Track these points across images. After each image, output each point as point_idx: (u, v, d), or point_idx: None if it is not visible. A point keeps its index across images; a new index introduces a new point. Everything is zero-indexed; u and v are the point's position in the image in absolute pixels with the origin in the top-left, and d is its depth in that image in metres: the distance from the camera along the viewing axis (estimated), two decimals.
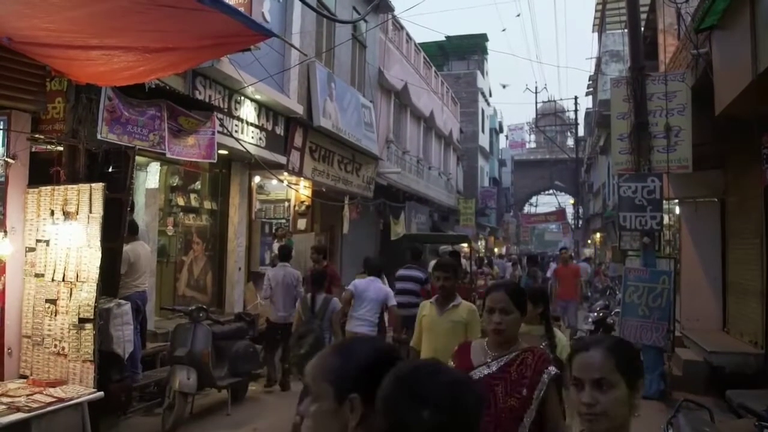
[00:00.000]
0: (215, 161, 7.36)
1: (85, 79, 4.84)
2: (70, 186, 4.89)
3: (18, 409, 3.94)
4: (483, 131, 31.74)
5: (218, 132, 7.20)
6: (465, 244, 15.78)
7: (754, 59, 4.75)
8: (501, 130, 41.50)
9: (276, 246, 9.31)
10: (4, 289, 4.87)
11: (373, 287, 6.15)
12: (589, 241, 32.11)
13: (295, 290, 7.17)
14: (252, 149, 8.65)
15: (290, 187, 10.63)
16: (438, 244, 16.12)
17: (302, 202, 11.32)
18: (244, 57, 7.81)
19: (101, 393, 4.52)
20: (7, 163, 5.00)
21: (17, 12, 3.59)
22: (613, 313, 8.34)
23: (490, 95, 34.81)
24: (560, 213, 36.88)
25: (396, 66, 16.20)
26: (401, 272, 7.77)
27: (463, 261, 12.75)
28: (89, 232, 4.71)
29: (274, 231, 10.40)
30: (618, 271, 14.92)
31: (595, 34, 27.38)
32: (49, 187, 4.97)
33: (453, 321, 3.68)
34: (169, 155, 6.29)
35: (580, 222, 33.78)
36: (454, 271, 3.94)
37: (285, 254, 7.60)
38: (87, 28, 3.76)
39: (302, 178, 10.88)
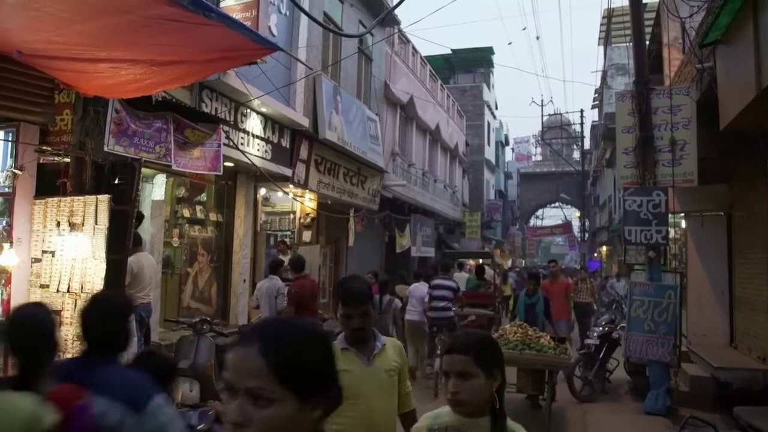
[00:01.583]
0: (221, 173, 7.41)
1: (93, 91, 4.90)
2: (76, 197, 4.93)
3: None
4: (489, 144, 31.79)
5: (224, 144, 7.25)
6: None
7: (758, 74, 4.75)
8: (507, 142, 41.55)
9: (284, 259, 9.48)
10: (9, 299, 4.90)
11: (418, 289, 8.94)
12: (596, 254, 31.95)
13: (276, 301, 7.22)
14: (258, 162, 8.70)
15: (295, 200, 10.66)
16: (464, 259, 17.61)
17: (307, 214, 11.34)
18: (250, 70, 7.88)
19: None
20: (14, 174, 5.06)
21: (28, 26, 3.65)
22: (618, 327, 8.28)
23: (496, 108, 34.92)
24: (566, 226, 36.74)
25: (402, 79, 16.29)
26: (437, 281, 9.06)
27: (489, 271, 14.41)
28: (94, 243, 4.74)
29: (277, 244, 10.42)
30: (622, 287, 14.76)
31: (601, 48, 27.50)
32: (55, 199, 5.02)
33: (387, 370, 2.56)
34: (175, 167, 6.34)
35: (587, 235, 33.67)
36: (372, 302, 2.66)
37: (273, 267, 7.85)
38: (96, 41, 3.81)
39: (307, 191, 10.91)
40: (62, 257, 4.88)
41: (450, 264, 11.13)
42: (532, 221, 47.52)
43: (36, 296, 4.95)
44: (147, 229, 7.06)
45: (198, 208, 8.94)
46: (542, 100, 50.58)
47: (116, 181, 5.19)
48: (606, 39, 25.65)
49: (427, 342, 8.88)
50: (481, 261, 16.13)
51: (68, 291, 4.80)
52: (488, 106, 31.34)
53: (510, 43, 26.21)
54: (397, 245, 15.79)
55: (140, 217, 6.42)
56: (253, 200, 9.77)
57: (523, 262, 38.83)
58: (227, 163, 7.85)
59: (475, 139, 29.28)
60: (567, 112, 46.81)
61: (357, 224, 13.05)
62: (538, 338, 6.42)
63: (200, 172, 7.04)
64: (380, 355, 2.56)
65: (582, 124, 32.22)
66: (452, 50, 28.94)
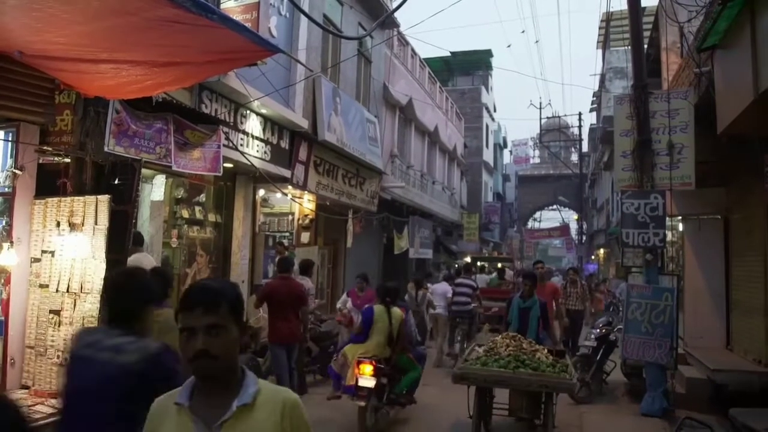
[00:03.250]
0: (221, 174, 7.42)
1: (94, 92, 4.91)
2: (76, 198, 4.94)
3: None
4: (487, 146, 31.85)
5: (224, 145, 7.26)
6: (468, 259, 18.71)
7: (755, 79, 4.79)
8: (505, 145, 41.62)
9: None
10: (8, 299, 4.91)
11: (440, 287, 11.12)
12: (593, 257, 32.00)
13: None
14: (257, 163, 8.71)
15: (294, 201, 10.67)
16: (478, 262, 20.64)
17: (306, 215, 11.35)
18: (250, 71, 7.89)
19: None
20: (14, 174, 5.06)
21: (30, 26, 3.66)
22: (615, 329, 8.31)
23: (495, 110, 34.98)
24: (564, 228, 36.80)
25: (401, 81, 16.32)
26: (459, 281, 11.13)
27: (508, 272, 17.81)
28: (94, 243, 4.76)
29: (275, 245, 10.42)
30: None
31: (599, 51, 27.58)
32: (55, 199, 5.03)
33: None
34: (175, 168, 6.35)
35: (584, 238, 33.73)
36: (240, 311, 1.68)
37: (304, 267, 8.32)
38: (97, 43, 3.82)
39: (306, 192, 10.92)
40: (62, 257, 4.89)
41: (471, 266, 13.63)
42: (530, 223, 47.57)
43: (35, 296, 4.96)
44: (146, 230, 7.07)
45: (197, 208, 8.94)
46: (540, 103, 50.69)
47: (116, 182, 5.20)
48: (605, 42, 25.73)
49: (449, 330, 10.83)
50: (481, 264, 16.78)
51: (68, 291, 4.81)
52: (487, 109, 31.40)
53: (509, 46, 26.29)
54: (396, 247, 15.81)
55: None
56: (252, 201, 9.78)
57: (519, 263, 38.82)
58: (226, 164, 7.85)
59: (473, 141, 29.33)
60: (565, 115, 46.85)
61: (355, 225, 13.07)
62: (534, 352, 5.51)
63: (200, 173, 7.05)
64: (239, 422, 1.51)
65: (580, 127, 32.32)
66: (451, 53, 28.99)
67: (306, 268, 8.03)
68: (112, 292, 2.52)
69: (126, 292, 2.38)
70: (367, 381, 5.68)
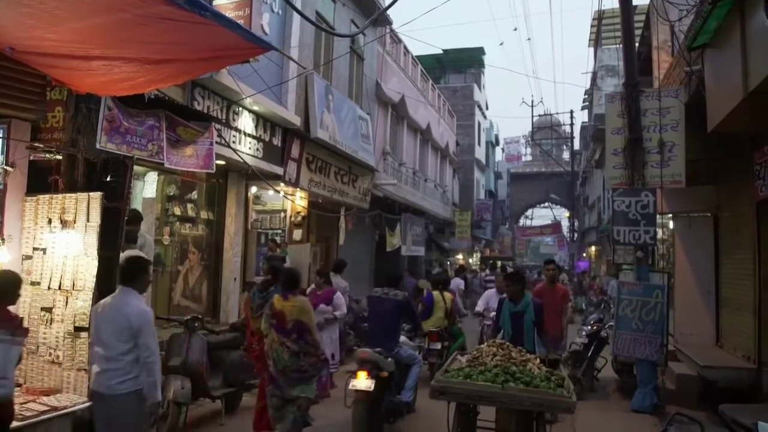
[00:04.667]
0: (213, 171, 7.40)
1: (86, 89, 4.88)
2: (68, 195, 4.92)
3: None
4: (479, 144, 31.90)
5: (216, 142, 7.24)
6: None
7: (744, 78, 4.84)
8: (497, 142, 41.71)
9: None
10: None
11: (454, 282, 12.71)
12: (584, 254, 32.18)
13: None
14: (249, 160, 8.69)
15: (287, 198, 10.65)
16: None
17: (298, 212, 11.34)
18: (242, 68, 7.87)
19: None
20: (5, 171, 5.03)
21: (21, 22, 3.63)
22: (607, 326, 8.37)
23: (487, 108, 35.04)
24: (556, 226, 37.01)
25: (393, 79, 16.31)
26: (489, 277, 14.23)
27: (509, 270, 21.09)
28: (86, 240, 4.74)
29: (268, 242, 10.39)
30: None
31: (591, 49, 27.70)
32: (47, 196, 5.00)
33: None
34: (167, 165, 6.33)
35: (576, 235, 33.89)
36: None
37: (337, 266, 9.10)
38: (90, 39, 3.80)
39: (299, 189, 10.91)
40: (53, 254, 4.86)
41: (495, 264, 16.54)
42: (522, 221, 47.76)
43: (27, 293, 4.93)
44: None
45: (189, 206, 8.92)
46: (532, 101, 50.86)
47: (108, 179, 5.17)
48: (596, 41, 25.84)
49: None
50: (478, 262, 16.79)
51: (59, 288, 4.78)
52: (479, 106, 31.44)
53: (501, 44, 26.38)
54: (388, 244, 15.83)
55: (137, 218, 6.30)
56: (244, 198, 9.76)
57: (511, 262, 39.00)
58: (218, 161, 7.84)
59: (465, 138, 29.38)
60: (557, 113, 46.98)
61: (348, 223, 13.06)
62: (525, 362, 4.63)
63: (192, 169, 7.03)
64: None
65: (572, 124, 32.42)
66: (443, 50, 28.98)
67: (339, 267, 8.91)
68: (389, 276, 6.29)
69: (394, 275, 6.32)
70: (435, 345, 8.24)
